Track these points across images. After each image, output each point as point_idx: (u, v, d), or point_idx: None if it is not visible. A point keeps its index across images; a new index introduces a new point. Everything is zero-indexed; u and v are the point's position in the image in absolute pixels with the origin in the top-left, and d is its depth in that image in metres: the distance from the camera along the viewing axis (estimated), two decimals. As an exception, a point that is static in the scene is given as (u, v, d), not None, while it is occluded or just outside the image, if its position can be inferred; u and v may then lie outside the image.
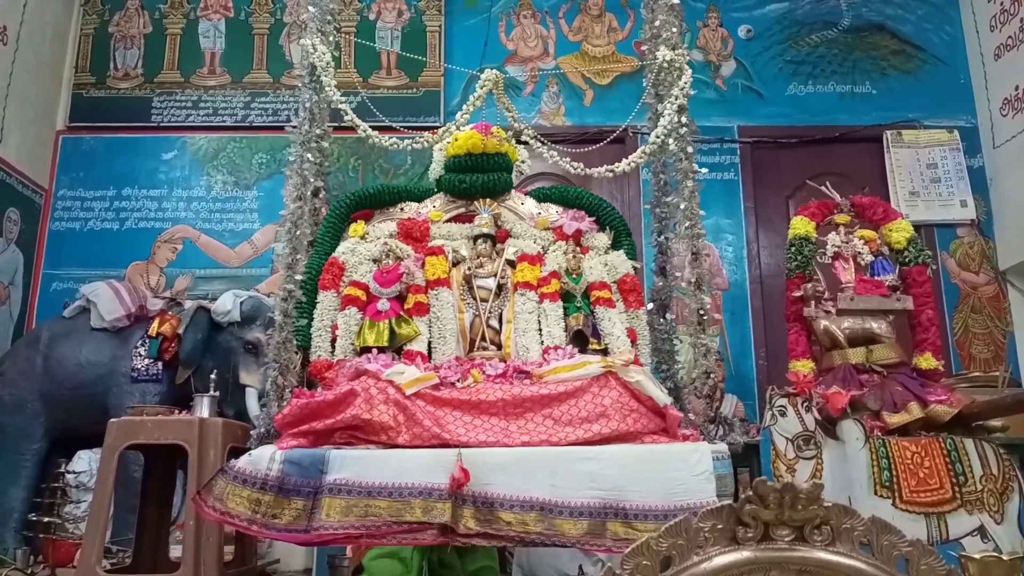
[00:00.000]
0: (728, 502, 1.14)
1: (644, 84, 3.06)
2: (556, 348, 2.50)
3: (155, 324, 4.02)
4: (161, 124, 5.31)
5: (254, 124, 5.32)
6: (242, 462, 2.18)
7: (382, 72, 5.38)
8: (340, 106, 2.71)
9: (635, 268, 2.81)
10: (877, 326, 3.24)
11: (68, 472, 4.04)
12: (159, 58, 5.43)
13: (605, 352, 2.54)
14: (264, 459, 2.15)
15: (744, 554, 1.14)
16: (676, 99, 2.71)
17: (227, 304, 4.05)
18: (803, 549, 1.14)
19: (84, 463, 4.08)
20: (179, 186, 5.23)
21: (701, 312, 2.56)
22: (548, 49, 5.56)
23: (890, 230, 3.40)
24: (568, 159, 2.79)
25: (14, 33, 4.81)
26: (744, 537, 1.14)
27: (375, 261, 2.71)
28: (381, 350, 2.48)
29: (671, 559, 1.13)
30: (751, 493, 1.13)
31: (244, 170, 5.26)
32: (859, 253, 3.39)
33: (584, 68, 5.52)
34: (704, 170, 2.72)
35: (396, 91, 5.33)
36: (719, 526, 1.15)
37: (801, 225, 3.43)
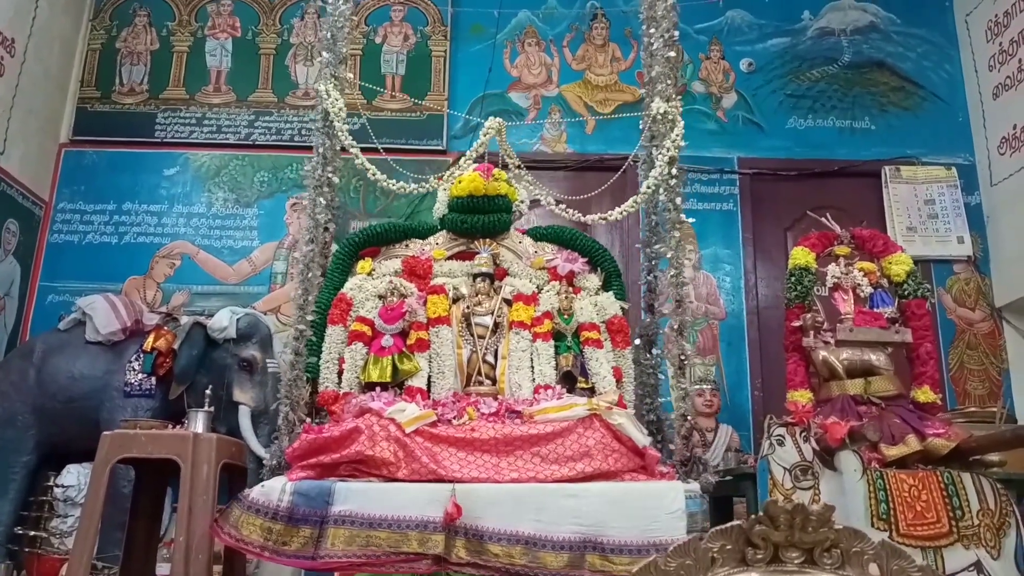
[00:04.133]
0: (738, 522, 1.13)
1: (640, 127, 3.14)
2: (546, 387, 2.66)
3: (150, 339, 3.99)
4: (164, 140, 5.33)
5: (257, 143, 5.35)
6: (256, 492, 2.33)
7: (386, 95, 5.42)
8: (352, 150, 2.80)
9: (623, 309, 2.97)
10: (876, 358, 3.23)
11: (56, 486, 3.99)
12: (165, 75, 5.46)
13: (592, 391, 2.70)
14: (276, 490, 2.32)
15: (753, 575, 1.12)
16: (668, 151, 2.79)
17: (223, 321, 4.03)
18: (812, 572, 1.13)
19: (73, 477, 4.03)
20: (180, 202, 5.24)
21: (682, 357, 2.65)
22: (551, 77, 5.61)
23: (890, 263, 3.40)
24: (564, 206, 2.88)
25: (22, 46, 4.83)
26: (753, 558, 1.13)
27: (380, 297, 2.88)
28: (384, 386, 2.65)
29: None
30: (761, 514, 1.12)
31: (245, 188, 5.28)
32: (858, 285, 3.39)
33: (586, 96, 5.56)
34: (691, 220, 2.87)
35: (400, 114, 5.36)
36: (728, 547, 1.13)
37: (801, 255, 3.44)
